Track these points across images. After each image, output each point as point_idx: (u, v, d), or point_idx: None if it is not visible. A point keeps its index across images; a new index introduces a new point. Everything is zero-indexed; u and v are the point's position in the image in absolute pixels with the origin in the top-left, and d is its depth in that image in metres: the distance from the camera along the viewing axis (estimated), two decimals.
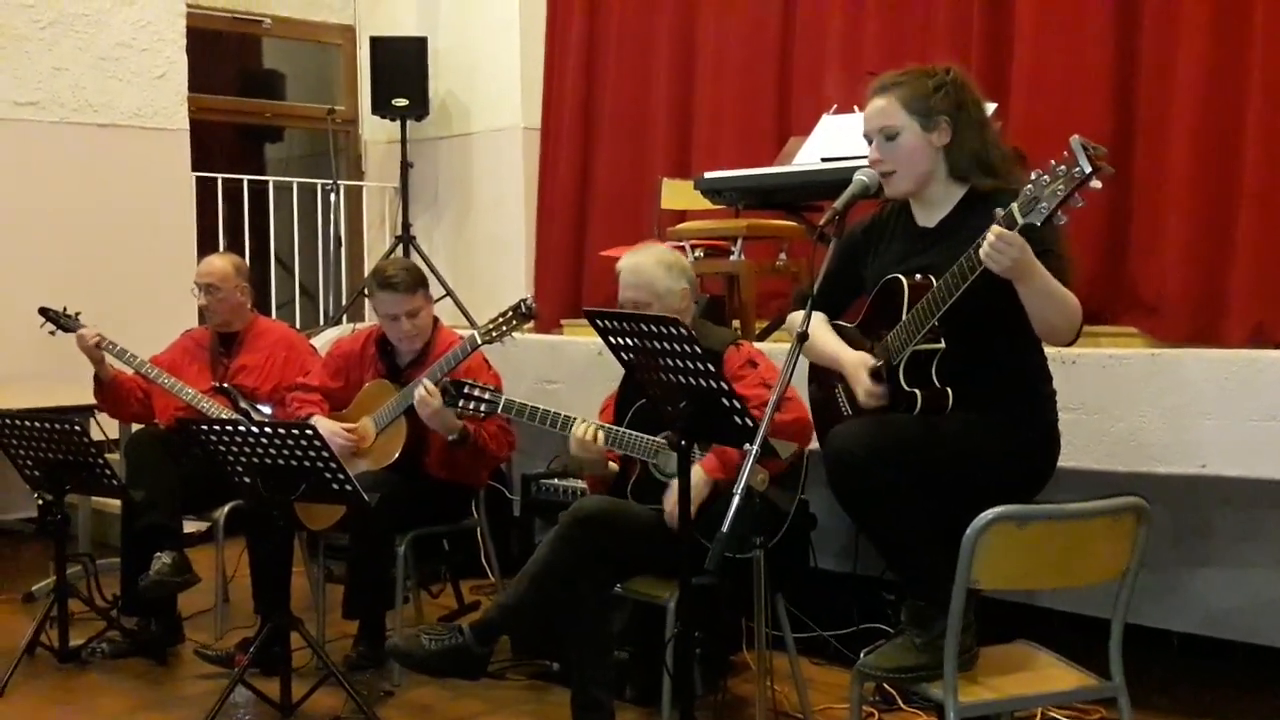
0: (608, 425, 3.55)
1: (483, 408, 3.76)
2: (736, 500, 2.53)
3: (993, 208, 2.57)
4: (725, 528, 2.51)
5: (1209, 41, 4.57)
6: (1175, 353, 3.73)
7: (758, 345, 3.93)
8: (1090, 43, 4.93)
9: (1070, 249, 2.78)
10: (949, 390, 2.76)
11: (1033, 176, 2.51)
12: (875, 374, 2.84)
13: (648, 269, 3.57)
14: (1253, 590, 3.92)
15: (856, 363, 2.88)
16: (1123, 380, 3.60)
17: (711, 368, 2.80)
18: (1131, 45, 4.87)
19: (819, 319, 2.98)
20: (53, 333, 4.86)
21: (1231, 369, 3.45)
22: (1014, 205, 2.52)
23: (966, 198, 2.86)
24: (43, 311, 4.89)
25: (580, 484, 4.47)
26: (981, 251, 2.56)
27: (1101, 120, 4.80)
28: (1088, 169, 2.43)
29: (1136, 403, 3.57)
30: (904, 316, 2.77)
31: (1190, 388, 3.49)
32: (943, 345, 2.77)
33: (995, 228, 2.54)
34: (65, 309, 4.88)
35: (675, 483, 3.18)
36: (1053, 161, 2.47)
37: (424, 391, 3.92)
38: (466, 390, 3.76)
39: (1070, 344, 2.79)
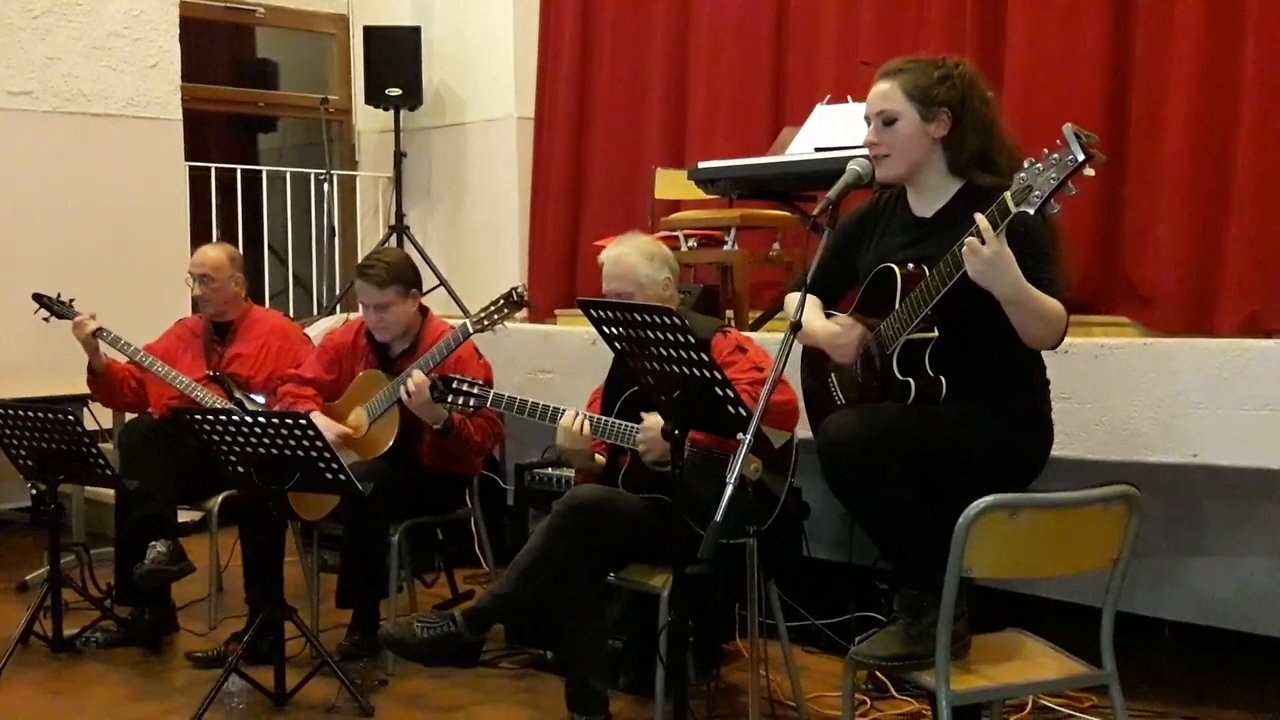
0: (593, 415, 3.55)
1: (471, 403, 3.75)
2: (730, 490, 2.54)
3: (990, 203, 2.57)
4: (718, 517, 2.51)
5: (1203, 33, 4.57)
6: (1167, 342, 3.74)
7: (750, 334, 3.93)
8: (1085, 34, 4.94)
9: (1065, 245, 2.78)
10: (943, 379, 2.77)
11: (1025, 165, 2.52)
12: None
13: (629, 259, 3.57)
14: (1244, 578, 3.93)
15: (832, 331, 2.93)
16: (1115, 370, 3.61)
17: (706, 357, 2.81)
18: (1126, 37, 4.87)
19: (813, 305, 2.99)
20: (47, 319, 4.84)
21: (1223, 359, 3.46)
22: (1007, 194, 2.53)
23: (964, 189, 2.85)
24: (36, 297, 4.86)
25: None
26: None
27: (1096, 111, 4.81)
28: (1080, 156, 2.44)
29: (1129, 392, 3.58)
30: (897, 306, 2.78)
31: (1182, 377, 3.50)
32: (936, 334, 2.77)
33: (969, 238, 2.55)
34: (59, 295, 4.86)
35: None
36: (1045, 150, 2.49)
37: (412, 384, 3.92)
38: (455, 386, 3.75)
39: (1054, 347, 2.80)
